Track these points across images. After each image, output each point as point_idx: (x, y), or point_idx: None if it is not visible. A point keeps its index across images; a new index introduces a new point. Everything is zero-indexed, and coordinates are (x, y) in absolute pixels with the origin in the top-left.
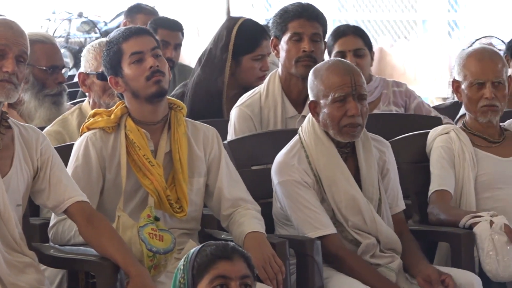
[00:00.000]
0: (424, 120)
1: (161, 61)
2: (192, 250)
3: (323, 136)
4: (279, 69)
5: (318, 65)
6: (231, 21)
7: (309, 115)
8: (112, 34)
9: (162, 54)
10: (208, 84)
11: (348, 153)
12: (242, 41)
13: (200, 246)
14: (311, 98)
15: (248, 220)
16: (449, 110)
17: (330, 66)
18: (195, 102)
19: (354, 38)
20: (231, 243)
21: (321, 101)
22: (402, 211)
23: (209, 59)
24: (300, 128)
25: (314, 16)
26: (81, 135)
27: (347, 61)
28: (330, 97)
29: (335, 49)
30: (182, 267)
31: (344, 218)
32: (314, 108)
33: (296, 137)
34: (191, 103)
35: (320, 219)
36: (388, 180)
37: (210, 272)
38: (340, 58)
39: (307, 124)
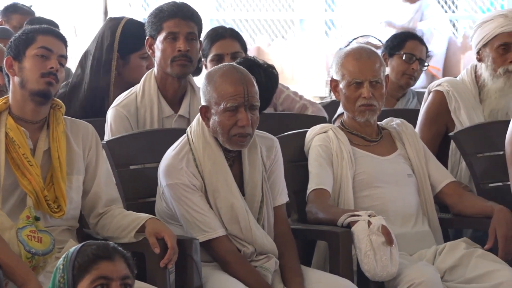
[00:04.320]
0: (307, 119)
1: (61, 70)
2: (71, 249)
3: (212, 141)
4: (155, 69)
5: (212, 69)
6: (114, 21)
7: (199, 117)
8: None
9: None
10: (92, 85)
11: (235, 156)
12: (128, 39)
13: (80, 245)
14: (202, 102)
15: (137, 213)
16: (327, 109)
17: (224, 73)
18: (79, 103)
19: (232, 41)
20: (112, 243)
21: (213, 108)
22: (284, 205)
23: (91, 60)
24: (188, 129)
25: (189, 16)
26: None
27: (241, 67)
28: (221, 106)
29: (212, 52)
30: (61, 267)
31: (224, 225)
32: (205, 113)
33: (184, 138)
34: (73, 103)
35: (209, 222)
36: (273, 175)
37: (91, 272)
38: (235, 65)
39: (197, 127)
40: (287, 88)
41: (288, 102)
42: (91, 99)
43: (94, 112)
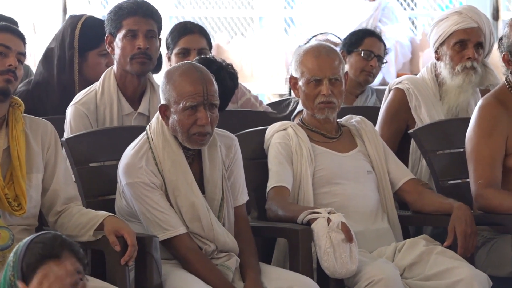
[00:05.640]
0: (267, 117)
1: (20, 67)
2: (21, 245)
3: (172, 140)
4: (114, 67)
5: (172, 68)
6: (74, 18)
7: (158, 115)
8: None
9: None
10: (54, 83)
11: (195, 155)
12: (87, 37)
13: (29, 242)
14: (162, 101)
15: (95, 211)
16: (287, 106)
17: (183, 72)
18: (40, 101)
19: (200, 37)
20: (60, 238)
21: (172, 107)
22: (245, 205)
23: (52, 58)
24: (148, 127)
25: (148, 13)
26: None
27: (201, 66)
28: (181, 105)
29: (180, 45)
30: (12, 264)
31: (185, 223)
32: (164, 111)
33: (144, 137)
34: (34, 101)
35: (169, 220)
36: (232, 175)
37: (39, 273)
38: (194, 63)
39: (156, 125)
40: (249, 91)
41: (248, 106)
42: (52, 98)
43: (57, 110)
